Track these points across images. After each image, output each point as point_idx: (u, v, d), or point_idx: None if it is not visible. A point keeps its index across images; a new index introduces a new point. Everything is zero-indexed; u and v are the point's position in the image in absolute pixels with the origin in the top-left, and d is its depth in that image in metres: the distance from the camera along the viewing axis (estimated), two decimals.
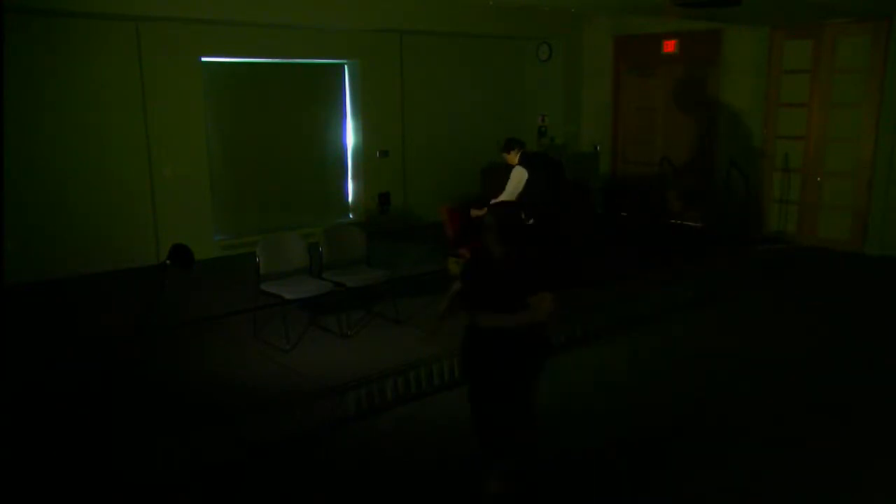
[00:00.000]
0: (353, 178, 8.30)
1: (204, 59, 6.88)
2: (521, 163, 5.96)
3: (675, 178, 8.85)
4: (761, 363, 4.94)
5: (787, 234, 8.03)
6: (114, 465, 3.56)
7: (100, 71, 6.32)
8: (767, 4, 6.25)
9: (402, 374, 4.42)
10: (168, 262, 5.09)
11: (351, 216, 8.32)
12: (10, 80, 5.61)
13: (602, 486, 3.51)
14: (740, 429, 4.03)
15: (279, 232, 6.58)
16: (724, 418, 4.16)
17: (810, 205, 7.86)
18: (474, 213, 6.07)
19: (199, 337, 5.09)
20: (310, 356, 4.77)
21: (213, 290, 6.08)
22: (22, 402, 4.00)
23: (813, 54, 7.61)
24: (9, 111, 5.51)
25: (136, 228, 6.71)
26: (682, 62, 8.64)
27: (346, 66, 8.02)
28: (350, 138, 8.20)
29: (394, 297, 5.49)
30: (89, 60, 6.26)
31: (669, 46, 8.67)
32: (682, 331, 5.62)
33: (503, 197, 5.91)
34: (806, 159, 7.83)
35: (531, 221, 5.88)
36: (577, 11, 8.79)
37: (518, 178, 5.89)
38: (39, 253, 6.16)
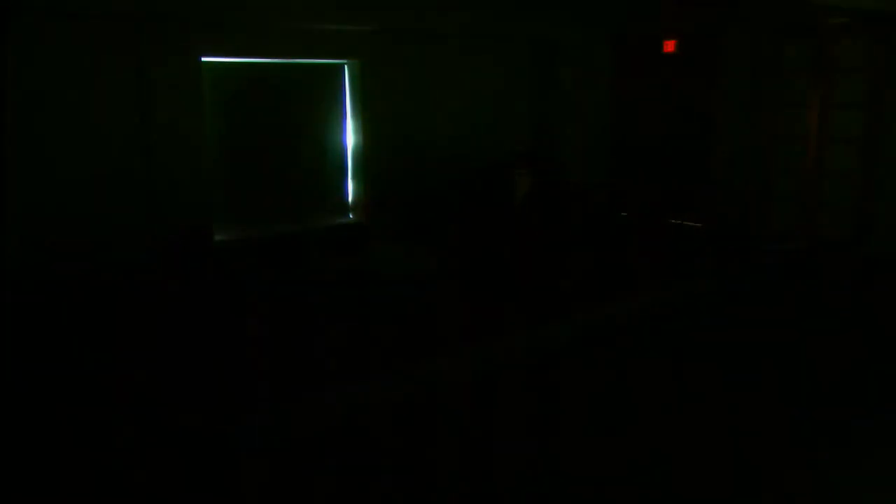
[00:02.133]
0: (353, 178, 8.29)
1: (204, 59, 6.87)
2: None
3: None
4: (761, 362, 4.94)
5: (786, 234, 8.03)
6: (113, 466, 3.56)
7: (99, 71, 6.31)
8: (768, 4, 6.26)
9: None
10: None
11: (351, 216, 8.31)
12: (10, 80, 5.62)
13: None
14: (741, 429, 4.03)
15: (279, 231, 6.60)
16: (724, 418, 4.16)
17: (810, 205, 7.87)
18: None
19: None
20: None
21: None
22: (22, 402, 3.99)
23: (813, 54, 7.62)
24: (9, 112, 5.55)
25: (136, 228, 6.69)
26: (682, 62, 8.64)
27: (346, 66, 8.02)
28: (350, 138, 8.19)
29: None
30: (88, 61, 6.24)
31: (669, 46, 8.68)
32: (682, 331, 5.61)
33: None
34: (806, 159, 7.83)
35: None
36: (577, 12, 8.78)
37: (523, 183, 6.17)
38: (38, 253, 6.14)
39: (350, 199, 8.35)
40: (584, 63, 9.33)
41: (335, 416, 4.12)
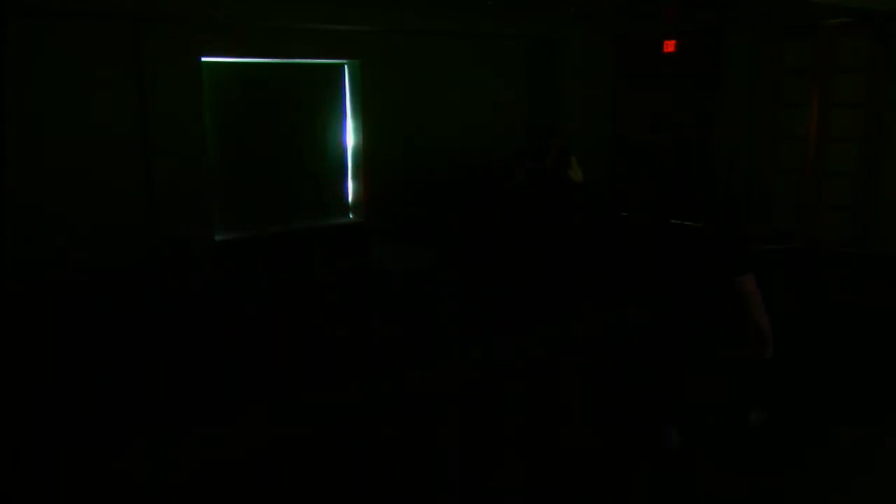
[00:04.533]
0: (353, 178, 8.29)
1: (204, 59, 6.87)
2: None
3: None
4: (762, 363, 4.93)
5: (787, 235, 8.03)
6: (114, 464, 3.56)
7: (99, 71, 6.31)
8: (768, 4, 6.26)
9: None
10: None
11: (351, 216, 8.32)
12: (10, 80, 5.62)
13: None
14: (746, 431, 4.03)
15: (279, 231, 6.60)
16: (729, 422, 4.16)
17: (810, 205, 7.87)
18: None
19: None
20: None
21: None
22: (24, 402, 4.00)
23: (813, 54, 7.62)
24: (9, 112, 5.55)
25: (136, 228, 6.69)
26: (682, 62, 8.64)
27: (346, 66, 8.02)
28: (350, 138, 8.19)
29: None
30: (88, 61, 6.24)
31: (669, 47, 8.68)
32: (681, 330, 5.60)
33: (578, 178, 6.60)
34: (806, 159, 7.83)
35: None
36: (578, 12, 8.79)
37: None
38: (37, 255, 6.14)
39: (350, 199, 8.35)
40: (585, 63, 9.32)
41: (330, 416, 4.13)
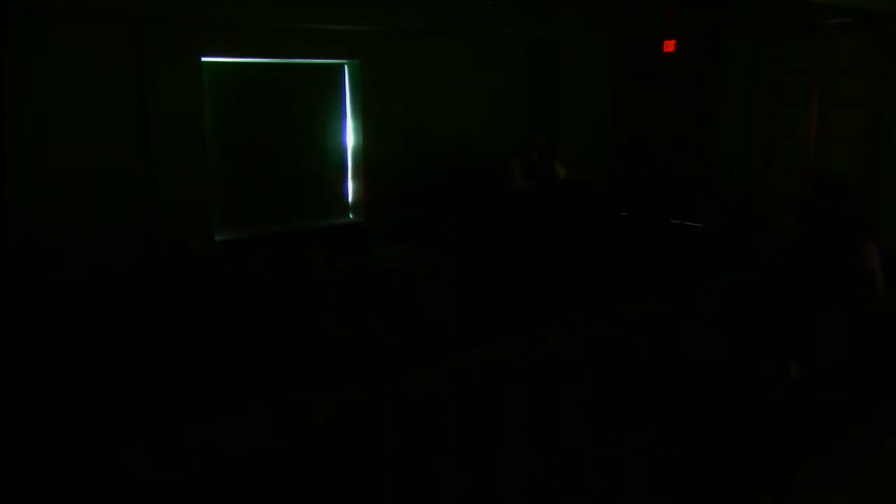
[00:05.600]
0: (353, 178, 8.29)
1: (204, 59, 6.87)
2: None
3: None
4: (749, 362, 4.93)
5: (787, 234, 8.03)
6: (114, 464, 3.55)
7: (99, 71, 6.31)
8: (768, 4, 6.26)
9: None
10: None
11: (351, 216, 8.32)
12: (10, 80, 5.62)
13: None
14: (757, 432, 4.03)
15: (279, 231, 6.61)
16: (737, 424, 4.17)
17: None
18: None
19: None
20: None
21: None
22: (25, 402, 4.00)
23: (813, 54, 7.62)
24: (9, 112, 5.55)
25: (136, 228, 6.69)
26: (682, 62, 8.65)
27: (346, 66, 8.02)
28: (350, 138, 8.19)
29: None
30: (88, 61, 6.25)
31: (669, 46, 8.68)
32: (680, 332, 5.60)
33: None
34: (806, 159, 7.83)
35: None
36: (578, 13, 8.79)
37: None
38: (37, 255, 6.14)
39: (350, 199, 8.35)
40: (585, 63, 9.32)
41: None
